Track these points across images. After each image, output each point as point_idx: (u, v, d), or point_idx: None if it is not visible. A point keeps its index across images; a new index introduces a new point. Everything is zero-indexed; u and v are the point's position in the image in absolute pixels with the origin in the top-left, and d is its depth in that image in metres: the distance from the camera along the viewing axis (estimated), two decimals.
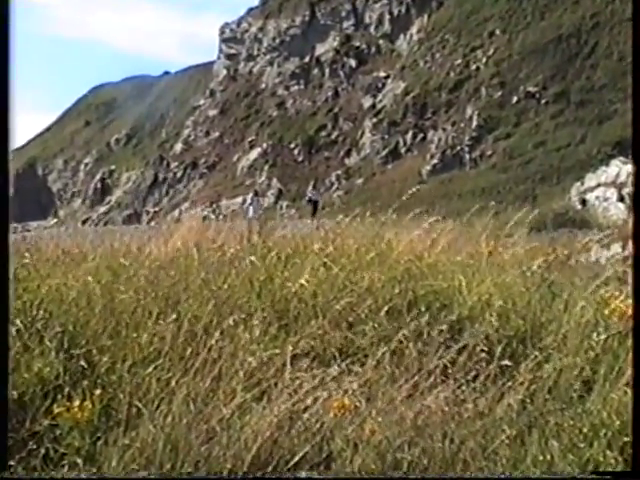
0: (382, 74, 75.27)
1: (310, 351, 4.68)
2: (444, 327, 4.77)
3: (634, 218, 3.75)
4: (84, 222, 79.06)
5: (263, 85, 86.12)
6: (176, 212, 68.84)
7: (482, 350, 4.58)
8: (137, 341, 4.53)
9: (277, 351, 4.48)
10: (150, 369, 4.25)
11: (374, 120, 70.03)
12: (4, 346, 3.47)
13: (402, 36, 77.31)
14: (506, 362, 4.43)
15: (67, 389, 4.04)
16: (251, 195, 33.74)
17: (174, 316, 4.75)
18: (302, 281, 5.37)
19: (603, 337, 4.62)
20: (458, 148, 60.94)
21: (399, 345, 4.62)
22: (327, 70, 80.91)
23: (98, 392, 3.96)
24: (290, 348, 4.48)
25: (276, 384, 4.21)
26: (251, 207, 32.33)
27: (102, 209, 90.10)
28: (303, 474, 3.64)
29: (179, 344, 4.53)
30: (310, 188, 33.98)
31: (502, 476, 3.67)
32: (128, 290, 5.14)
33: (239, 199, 69.25)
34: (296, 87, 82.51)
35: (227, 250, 6.07)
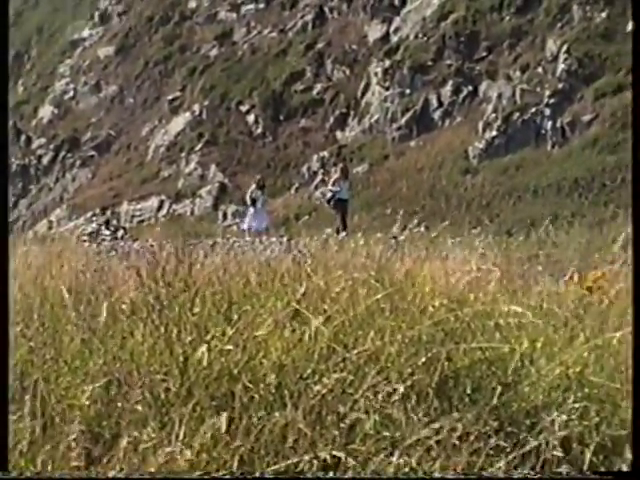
0: None
1: (269, 464, 4.67)
2: (504, 423, 4.78)
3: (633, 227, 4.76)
4: None
5: (193, 3, 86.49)
6: (42, 225, 68.71)
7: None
8: None
9: (215, 474, 4.49)
10: None
11: (386, 63, 70.45)
12: (4, 346, 4.94)
13: None
14: None
15: None
16: (252, 188, 32.09)
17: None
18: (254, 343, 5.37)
19: None
20: (532, 110, 61.36)
21: (426, 454, 4.62)
22: None
23: None
24: (236, 463, 4.48)
25: None
26: (251, 209, 30.97)
27: None
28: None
29: None
30: (336, 176, 31.36)
31: (502, 476, 4.41)
32: None
33: (152, 201, 69.29)
34: (251, 6, 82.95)
35: (122, 295, 6.07)
